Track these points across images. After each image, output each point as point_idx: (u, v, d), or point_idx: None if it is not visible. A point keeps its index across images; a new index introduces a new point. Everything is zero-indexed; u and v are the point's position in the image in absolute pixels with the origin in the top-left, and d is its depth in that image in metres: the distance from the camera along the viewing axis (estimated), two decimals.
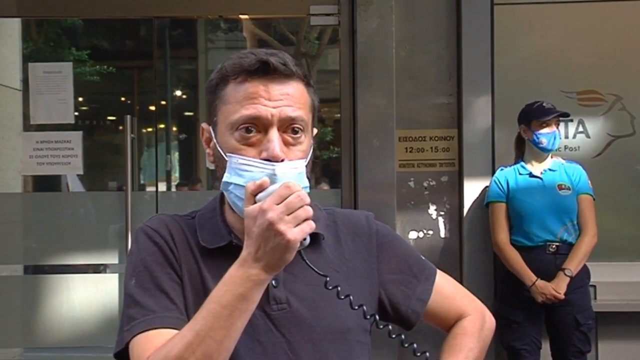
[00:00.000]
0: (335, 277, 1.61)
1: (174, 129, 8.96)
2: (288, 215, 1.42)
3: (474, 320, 1.83)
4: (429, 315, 1.82)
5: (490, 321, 1.88)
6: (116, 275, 4.85)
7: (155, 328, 1.55)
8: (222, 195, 1.68)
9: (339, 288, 1.56)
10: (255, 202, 1.47)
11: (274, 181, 1.49)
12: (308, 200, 1.45)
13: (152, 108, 6.18)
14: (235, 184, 1.56)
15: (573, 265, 4.33)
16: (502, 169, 4.58)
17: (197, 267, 1.64)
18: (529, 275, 4.33)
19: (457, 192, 4.88)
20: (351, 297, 1.57)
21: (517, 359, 4.40)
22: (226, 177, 1.58)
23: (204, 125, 1.69)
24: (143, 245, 1.65)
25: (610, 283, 4.74)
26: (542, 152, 4.49)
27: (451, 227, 4.88)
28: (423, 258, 1.86)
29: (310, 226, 1.45)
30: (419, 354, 1.61)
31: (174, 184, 7.89)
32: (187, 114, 9.69)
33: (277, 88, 1.58)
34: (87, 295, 4.85)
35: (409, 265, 1.82)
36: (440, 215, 4.88)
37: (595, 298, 4.68)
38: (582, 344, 4.36)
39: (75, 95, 4.96)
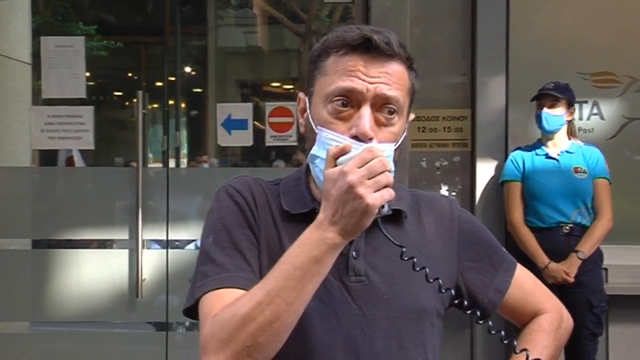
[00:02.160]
0: (416, 256, 1.57)
1: (183, 105, 8.94)
2: (369, 179, 1.39)
3: (552, 318, 1.80)
4: (505, 308, 1.79)
5: (567, 321, 1.83)
6: (125, 251, 4.83)
7: (228, 287, 1.54)
8: (308, 166, 1.66)
9: (415, 260, 1.54)
10: (336, 166, 1.45)
11: None
12: (390, 166, 1.43)
13: (160, 84, 6.14)
14: (322, 158, 1.53)
15: (586, 248, 4.32)
16: (519, 149, 4.56)
17: (277, 231, 1.64)
18: (541, 258, 4.32)
19: (469, 172, 4.85)
20: (427, 270, 1.54)
21: None
22: (314, 150, 1.56)
23: (300, 94, 1.68)
24: (224, 204, 1.66)
25: (623, 266, 4.71)
26: (543, 132, 4.48)
27: (463, 208, 4.83)
28: (504, 250, 1.83)
29: (390, 193, 1.42)
30: (512, 347, 1.60)
31: (182, 160, 7.87)
32: (195, 90, 9.66)
33: (376, 66, 1.56)
34: (96, 270, 4.83)
35: (489, 254, 1.79)
36: (452, 195, 4.84)
37: (606, 281, 4.65)
38: (594, 327, 4.35)
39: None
